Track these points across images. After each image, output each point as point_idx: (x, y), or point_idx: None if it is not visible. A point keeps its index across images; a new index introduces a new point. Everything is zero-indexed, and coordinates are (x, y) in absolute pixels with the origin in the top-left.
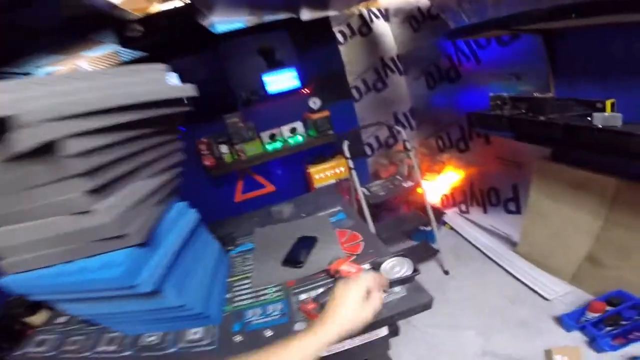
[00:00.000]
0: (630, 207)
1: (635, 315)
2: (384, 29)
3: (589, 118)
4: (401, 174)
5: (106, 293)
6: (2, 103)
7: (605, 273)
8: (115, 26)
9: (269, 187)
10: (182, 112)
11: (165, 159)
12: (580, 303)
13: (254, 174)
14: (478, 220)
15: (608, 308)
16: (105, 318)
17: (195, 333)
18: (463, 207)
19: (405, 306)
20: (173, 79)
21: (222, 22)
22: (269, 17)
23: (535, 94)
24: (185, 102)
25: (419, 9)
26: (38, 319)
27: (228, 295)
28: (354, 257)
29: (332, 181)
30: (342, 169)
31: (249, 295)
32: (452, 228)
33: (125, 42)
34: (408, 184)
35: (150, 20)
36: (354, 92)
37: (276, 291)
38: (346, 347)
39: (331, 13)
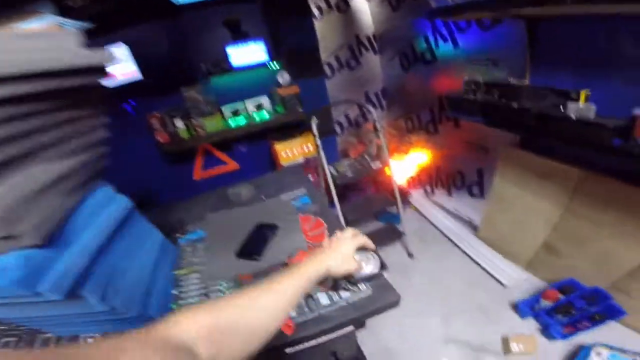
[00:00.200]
0: (590, 199)
1: (584, 305)
2: (362, 5)
3: (562, 108)
4: (369, 154)
5: (12, 300)
6: None
7: (559, 261)
8: None
9: (232, 165)
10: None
11: (80, 137)
12: (535, 290)
13: (214, 150)
14: (442, 202)
15: (561, 296)
16: (30, 321)
17: None
18: (428, 189)
19: (372, 306)
20: (120, 50)
21: None
22: None
23: (511, 81)
24: (106, 72)
25: None
26: None
27: (175, 292)
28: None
29: (300, 159)
30: (311, 146)
31: (198, 292)
32: (416, 209)
33: (65, 12)
34: (376, 165)
35: None
36: (327, 69)
37: (229, 287)
38: (314, 344)
39: None
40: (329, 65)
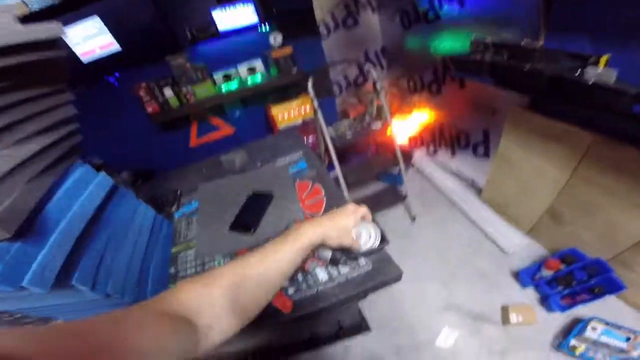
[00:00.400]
0: (601, 165)
1: (584, 277)
2: None
3: (577, 72)
4: (370, 114)
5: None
6: None
7: (563, 229)
8: None
9: (227, 129)
10: (57, 57)
11: (41, 118)
12: (536, 257)
13: (209, 117)
14: (445, 162)
15: (562, 266)
16: (36, 310)
17: None
18: (431, 149)
19: (372, 282)
20: (94, 22)
21: None
22: None
23: (524, 42)
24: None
25: None
26: None
27: (172, 270)
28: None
29: (298, 121)
30: (309, 107)
31: (194, 270)
32: (419, 170)
33: None
34: (377, 126)
35: None
36: (322, 29)
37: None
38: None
39: None
40: (325, 24)
